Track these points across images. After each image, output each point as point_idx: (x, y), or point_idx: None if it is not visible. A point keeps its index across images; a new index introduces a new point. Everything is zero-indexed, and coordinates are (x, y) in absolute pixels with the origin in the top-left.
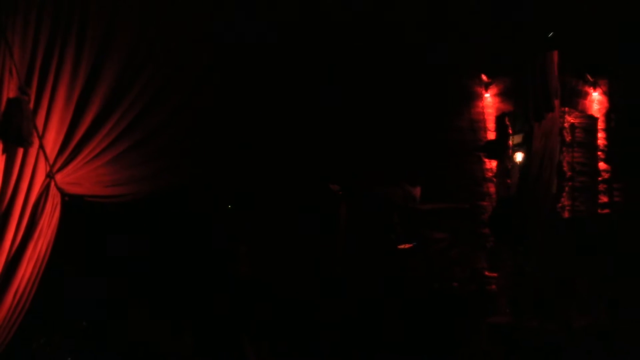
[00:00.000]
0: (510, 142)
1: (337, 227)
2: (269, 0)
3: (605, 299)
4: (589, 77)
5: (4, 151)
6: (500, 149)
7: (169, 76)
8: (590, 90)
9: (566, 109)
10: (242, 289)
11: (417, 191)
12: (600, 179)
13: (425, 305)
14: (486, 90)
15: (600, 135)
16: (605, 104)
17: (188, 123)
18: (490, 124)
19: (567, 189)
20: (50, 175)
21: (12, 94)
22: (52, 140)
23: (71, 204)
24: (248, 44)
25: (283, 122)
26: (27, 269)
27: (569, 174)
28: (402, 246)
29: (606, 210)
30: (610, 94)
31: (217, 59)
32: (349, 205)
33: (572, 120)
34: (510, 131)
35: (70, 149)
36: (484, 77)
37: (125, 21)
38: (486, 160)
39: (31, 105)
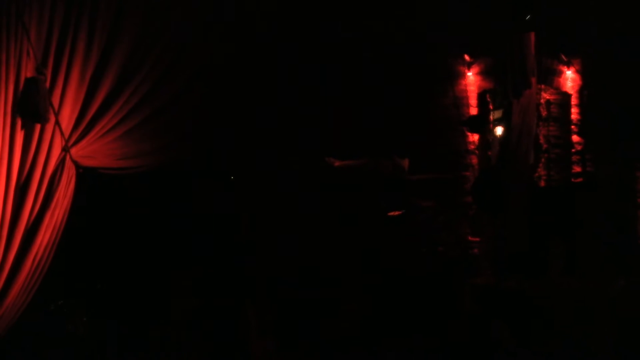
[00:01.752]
0: (491, 117)
1: (332, 196)
2: None
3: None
4: (563, 56)
5: (22, 127)
6: (481, 124)
7: (176, 56)
8: (564, 69)
9: (542, 86)
10: (244, 253)
11: (406, 163)
12: (573, 150)
13: (414, 267)
14: (469, 69)
15: (574, 110)
16: (578, 82)
17: (194, 100)
18: (473, 101)
19: (543, 160)
20: (65, 149)
21: (29, 74)
22: (67, 116)
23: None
24: (254, 23)
25: (283, 101)
26: (44, 236)
27: (544, 146)
28: (392, 213)
29: (579, 179)
30: (582, 72)
31: (223, 40)
32: (342, 175)
33: (547, 97)
34: (491, 107)
35: (84, 125)
36: (466, 57)
37: (133, 5)
38: (469, 133)
39: (47, 84)
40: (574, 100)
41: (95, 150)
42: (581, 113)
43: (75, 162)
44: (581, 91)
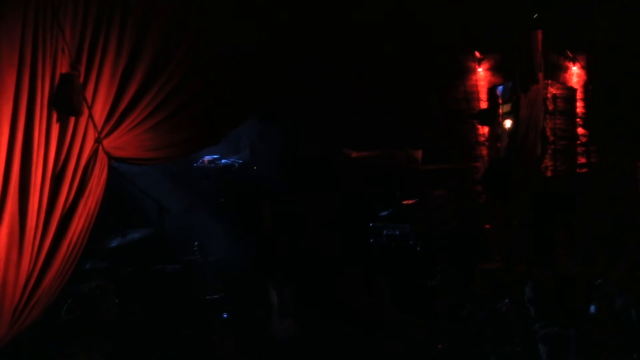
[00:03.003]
0: (500, 111)
1: (350, 185)
2: None
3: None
4: (569, 53)
5: (58, 120)
6: (491, 117)
7: (201, 54)
8: (570, 65)
9: (549, 81)
10: (266, 241)
11: (419, 154)
12: (578, 142)
13: (427, 252)
14: (479, 65)
15: (579, 104)
16: (583, 77)
17: (217, 95)
18: (483, 95)
19: (549, 151)
20: (98, 141)
21: (64, 70)
22: (100, 110)
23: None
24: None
25: (304, 97)
26: (79, 223)
27: (551, 138)
28: (406, 202)
29: (584, 170)
30: (587, 68)
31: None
32: (359, 167)
33: (554, 91)
34: (500, 101)
35: (115, 118)
36: (477, 54)
37: (162, 6)
38: (479, 126)
39: (81, 79)
40: (579, 95)
41: (126, 142)
42: (586, 107)
43: (107, 153)
44: (586, 86)
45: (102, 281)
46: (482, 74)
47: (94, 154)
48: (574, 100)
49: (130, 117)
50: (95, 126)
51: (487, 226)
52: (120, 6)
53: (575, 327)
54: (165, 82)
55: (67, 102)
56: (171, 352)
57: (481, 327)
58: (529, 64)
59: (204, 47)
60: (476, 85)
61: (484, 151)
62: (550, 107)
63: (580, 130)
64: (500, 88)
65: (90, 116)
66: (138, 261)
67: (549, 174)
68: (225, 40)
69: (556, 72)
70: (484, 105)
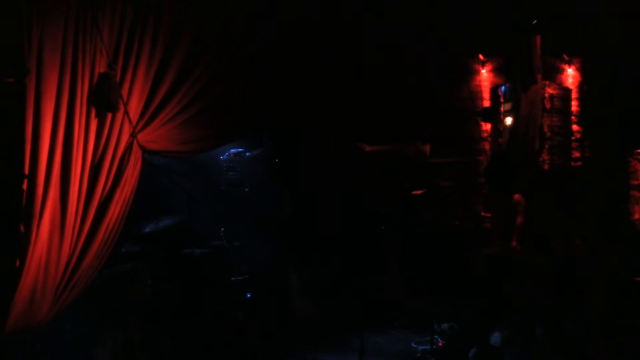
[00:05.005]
0: (502, 109)
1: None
2: None
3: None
4: (565, 56)
5: (96, 115)
6: (493, 114)
7: (229, 54)
8: (566, 67)
9: (547, 82)
10: (286, 227)
11: (427, 148)
12: (573, 138)
13: (434, 238)
14: (483, 67)
15: (574, 103)
16: (578, 78)
17: (242, 93)
18: (486, 94)
19: (547, 146)
20: (133, 135)
21: (102, 70)
22: (134, 107)
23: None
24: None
25: (322, 95)
26: (115, 210)
27: (548, 134)
28: (415, 192)
29: (578, 163)
30: (582, 70)
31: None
32: (373, 160)
33: (551, 91)
34: (502, 100)
35: (148, 114)
36: (481, 57)
37: (192, 12)
38: (482, 123)
39: (117, 78)
40: (574, 94)
41: (158, 136)
42: (580, 105)
43: (141, 146)
44: (580, 86)
45: (136, 264)
46: (485, 75)
47: (129, 147)
48: (570, 100)
49: (163, 114)
50: (130, 122)
51: (488, 214)
52: (153, 12)
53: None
54: (195, 82)
55: (104, 100)
56: (199, 330)
57: None
58: (529, 66)
59: (229, 51)
60: (480, 86)
61: (487, 146)
62: (548, 106)
63: (574, 127)
64: (502, 88)
65: (126, 112)
66: (169, 245)
67: (546, 167)
68: (247, 44)
69: (553, 73)
70: (487, 103)
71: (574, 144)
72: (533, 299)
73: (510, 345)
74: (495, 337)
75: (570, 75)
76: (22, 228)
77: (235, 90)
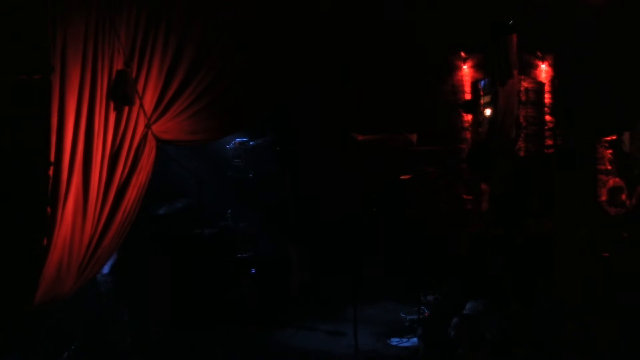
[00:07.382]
0: (482, 101)
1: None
2: None
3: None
4: (538, 53)
5: (114, 109)
6: (474, 106)
7: (233, 53)
8: (540, 63)
9: (522, 77)
10: (287, 208)
11: (414, 137)
12: (546, 127)
13: (420, 220)
14: (464, 63)
15: (547, 96)
16: (551, 73)
17: (247, 88)
18: (467, 88)
19: (522, 135)
20: (147, 126)
21: (119, 67)
22: (149, 100)
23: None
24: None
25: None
26: (132, 194)
27: (524, 124)
28: (403, 177)
29: (551, 150)
30: (554, 66)
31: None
32: (364, 148)
33: (526, 85)
34: (482, 93)
35: (162, 107)
36: (462, 54)
37: (200, 14)
38: (464, 114)
39: (133, 75)
40: (547, 88)
41: (170, 127)
42: (552, 98)
43: (155, 136)
44: (552, 81)
45: (152, 242)
46: (466, 70)
47: (144, 137)
48: (543, 93)
49: (174, 107)
50: (145, 114)
51: (469, 197)
52: (166, 14)
53: None
54: (203, 78)
55: (122, 94)
56: (208, 301)
57: None
58: (506, 62)
59: (234, 49)
60: (462, 80)
61: (468, 135)
62: (523, 98)
63: (547, 118)
64: (482, 82)
65: (141, 106)
66: (181, 226)
67: (522, 154)
68: (252, 43)
69: (528, 69)
70: (468, 96)
71: (547, 133)
72: (508, 274)
73: (485, 316)
74: (469, 308)
75: (544, 70)
76: (48, 210)
77: (239, 86)
